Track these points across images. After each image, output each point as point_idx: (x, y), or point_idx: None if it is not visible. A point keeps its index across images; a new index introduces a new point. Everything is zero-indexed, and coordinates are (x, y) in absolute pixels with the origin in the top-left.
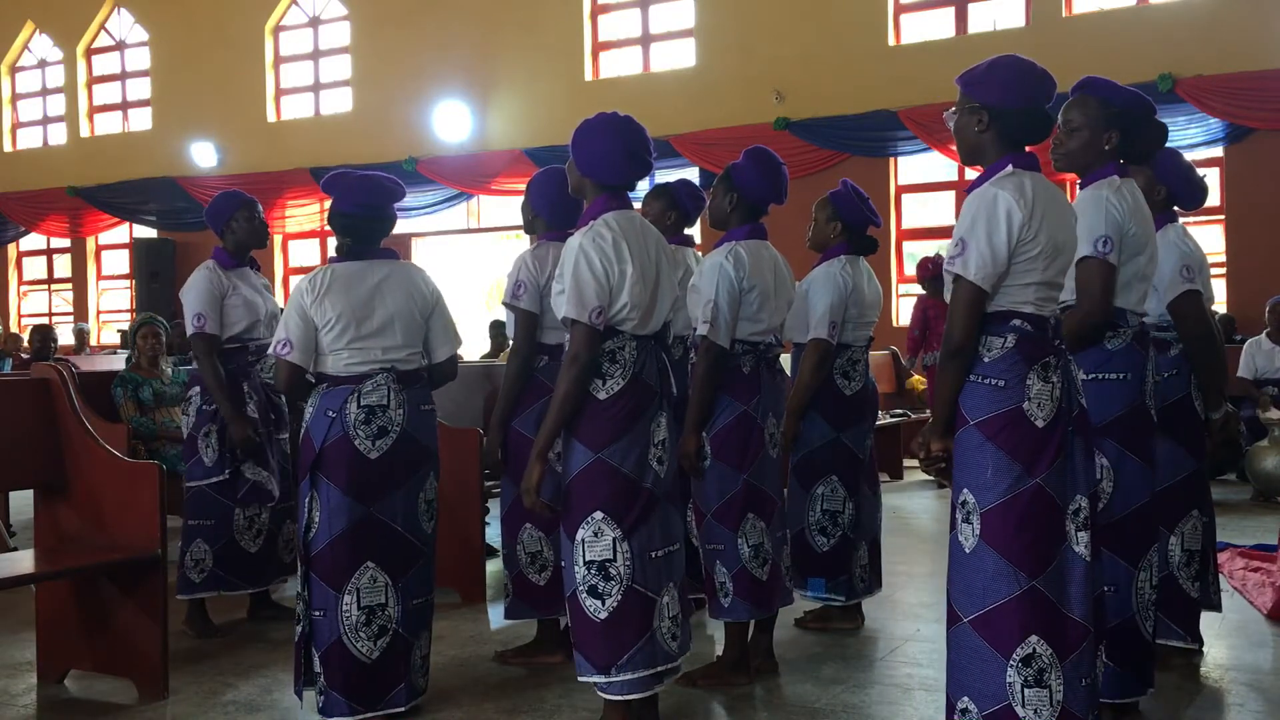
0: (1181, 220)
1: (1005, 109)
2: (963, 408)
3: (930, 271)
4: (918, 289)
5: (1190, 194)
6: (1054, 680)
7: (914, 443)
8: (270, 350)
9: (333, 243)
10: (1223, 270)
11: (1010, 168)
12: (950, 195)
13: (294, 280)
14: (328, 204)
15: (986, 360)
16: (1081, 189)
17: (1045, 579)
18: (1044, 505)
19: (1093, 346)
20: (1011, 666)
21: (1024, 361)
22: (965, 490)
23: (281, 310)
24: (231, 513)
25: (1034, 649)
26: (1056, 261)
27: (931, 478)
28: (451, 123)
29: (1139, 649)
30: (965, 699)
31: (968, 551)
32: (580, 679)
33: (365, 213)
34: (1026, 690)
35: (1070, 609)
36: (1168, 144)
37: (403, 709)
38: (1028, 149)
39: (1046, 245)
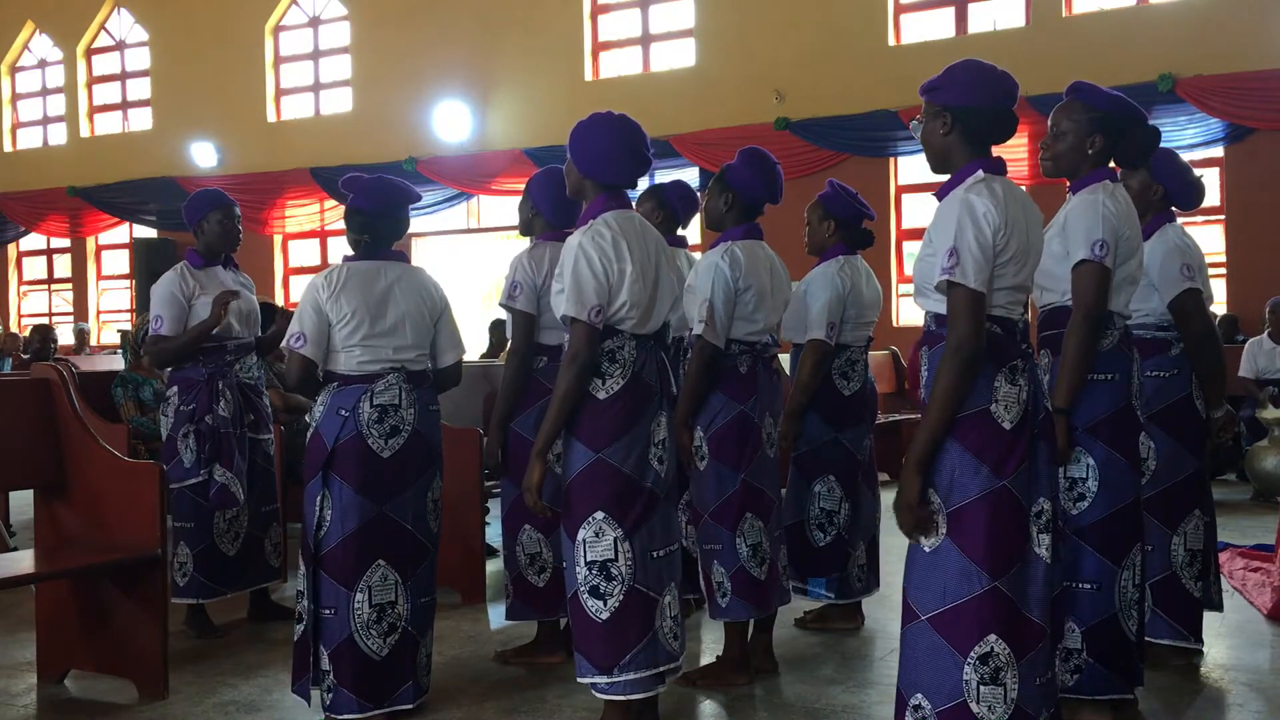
0: (1180, 220)
1: (968, 108)
2: None
3: None
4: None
5: (1187, 194)
6: (1009, 679)
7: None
8: (283, 344)
9: (333, 243)
10: (1223, 270)
11: (980, 173)
12: None
13: (294, 280)
14: (328, 204)
15: None
16: (1072, 193)
17: (1007, 580)
18: (1009, 507)
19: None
20: (969, 664)
21: (992, 364)
22: (930, 490)
23: (258, 308)
24: (211, 516)
25: (992, 648)
26: (1026, 266)
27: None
28: (451, 123)
29: (1122, 647)
30: (919, 695)
31: (927, 550)
32: (580, 680)
33: (385, 211)
34: (982, 687)
35: (1029, 610)
36: (1167, 144)
37: (410, 707)
38: (994, 152)
39: (1018, 250)
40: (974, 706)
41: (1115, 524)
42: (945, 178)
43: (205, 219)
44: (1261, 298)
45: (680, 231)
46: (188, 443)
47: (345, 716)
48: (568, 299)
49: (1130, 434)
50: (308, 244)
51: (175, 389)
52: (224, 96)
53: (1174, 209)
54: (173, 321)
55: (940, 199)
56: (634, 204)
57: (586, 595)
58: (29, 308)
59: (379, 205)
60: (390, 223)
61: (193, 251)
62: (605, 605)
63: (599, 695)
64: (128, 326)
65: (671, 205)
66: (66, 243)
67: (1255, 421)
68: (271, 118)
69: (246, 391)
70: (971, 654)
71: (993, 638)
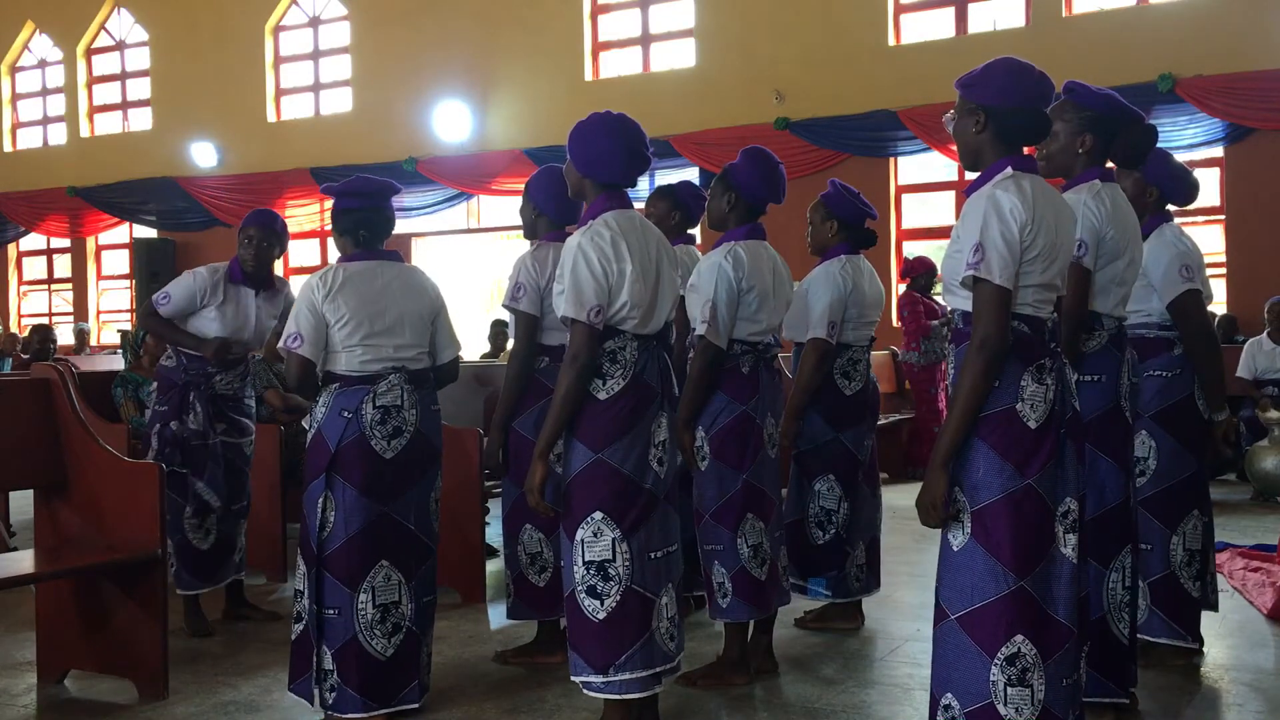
0: (1180, 220)
1: (1002, 108)
2: None
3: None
4: None
5: (1181, 190)
6: (1036, 680)
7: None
8: (280, 344)
9: (333, 243)
10: (1223, 270)
11: (1009, 170)
12: (950, 195)
13: (294, 280)
14: (328, 204)
15: None
16: (1063, 193)
17: (1032, 579)
18: (1034, 506)
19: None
20: (996, 665)
21: (1019, 362)
22: (956, 488)
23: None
24: (181, 511)
25: (1019, 648)
26: (1055, 264)
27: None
28: (451, 123)
29: (1110, 649)
30: (949, 695)
31: (955, 549)
32: (574, 678)
33: (373, 204)
34: (1010, 689)
35: (1055, 610)
36: (1167, 144)
37: (416, 705)
38: (1026, 150)
39: (1045, 247)
40: (1002, 708)
41: (1103, 526)
42: (949, 175)
43: (241, 230)
44: (1261, 298)
45: (689, 230)
46: (153, 443)
47: (350, 716)
48: (567, 300)
49: (1118, 436)
50: (308, 244)
51: (156, 384)
52: (224, 96)
53: (1171, 208)
54: (175, 311)
55: (968, 196)
56: (646, 204)
57: (584, 595)
58: (29, 308)
59: (366, 200)
60: (381, 217)
61: (235, 262)
62: (602, 605)
63: (591, 694)
64: (128, 326)
65: (687, 204)
66: (66, 243)
67: (1255, 421)
68: (271, 118)
69: (221, 403)
70: (999, 655)
71: (1019, 638)
